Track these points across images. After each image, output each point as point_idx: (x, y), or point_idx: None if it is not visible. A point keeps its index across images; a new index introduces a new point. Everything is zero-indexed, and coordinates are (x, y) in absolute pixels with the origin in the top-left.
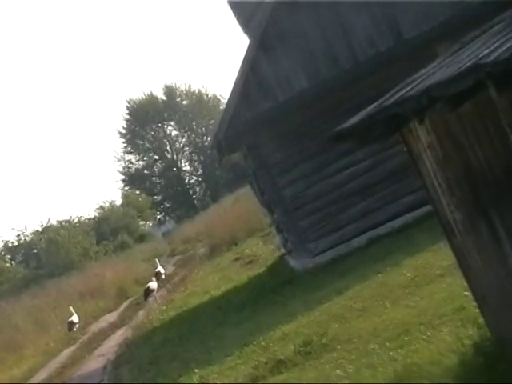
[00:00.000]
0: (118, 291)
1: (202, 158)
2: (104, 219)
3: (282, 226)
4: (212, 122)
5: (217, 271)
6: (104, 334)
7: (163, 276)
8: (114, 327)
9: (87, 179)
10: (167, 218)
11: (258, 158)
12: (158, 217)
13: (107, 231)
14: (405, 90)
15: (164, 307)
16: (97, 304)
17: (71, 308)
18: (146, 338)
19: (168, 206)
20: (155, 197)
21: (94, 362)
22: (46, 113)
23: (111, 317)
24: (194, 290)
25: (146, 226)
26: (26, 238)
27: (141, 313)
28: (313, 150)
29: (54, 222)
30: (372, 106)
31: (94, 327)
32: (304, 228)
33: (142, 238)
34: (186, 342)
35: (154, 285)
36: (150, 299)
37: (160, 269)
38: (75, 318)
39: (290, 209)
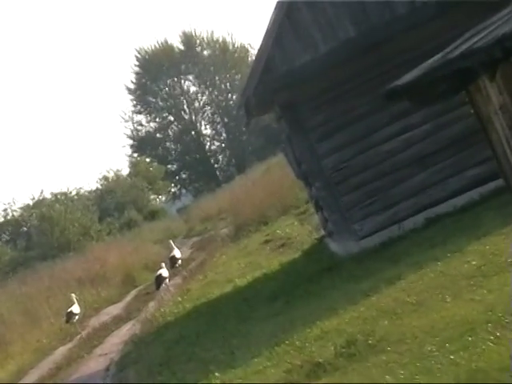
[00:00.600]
0: (124, 278)
1: (225, 120)
2: (108, 192)
3: (321, 203)
4: (238, 76)
5: (242, 256)
6: (106, 330)
7: (179, 261)
8: (118, 321)
9: (88, 144)
10: (183, 191)
11: (294, 121)
12: (173, 190)
13: (111, 206)
14: (473, 40)
15: (179, 298)
16: (98, 293)
17: (73, 296)
18: (157, 335)
19: (184, 176)
20: (169, 166)
21: (95, 363)
22: (38, 59)
23: (115, 309)
24: (215, 278)
25: (158, 200)
26: (14, 213)
27: (151, 304)
28: (360, 110)
29: (47, 195)
30: (433, 58)
31: (95, 321)
32: (348, 205)
33: (152, 214)
34: (204, 339)
35: (166, 271)
36: (163, 288)
37: (176, 252)
38: (76, 309)
39: (331, 182)
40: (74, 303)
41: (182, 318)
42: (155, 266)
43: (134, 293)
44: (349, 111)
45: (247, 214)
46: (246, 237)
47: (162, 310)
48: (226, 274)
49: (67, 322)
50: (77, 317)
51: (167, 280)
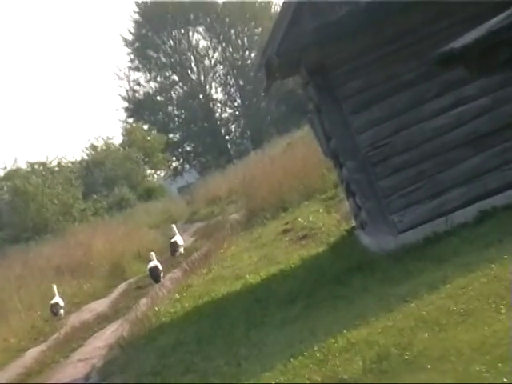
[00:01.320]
0: (112, 269)
1: (241, 83)
2: (96, 164)
3: (353, 188)
4: (259, 30)
5: (255, 248)
6: (88, 330)
7: (181, 249)
8: (103, 320)
9: (73, 104)
10: (187, 166)
11: (325, 87)
12: (174, 164)
13: (99, 181)
14: None
15: (177, 295)
16: (80, 286)
17: (54, 286)
18: (149, 339)
19: (189, 149)
20: (171, 135)
21: (72, 369)
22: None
23: (100, 305)
24: (222, 274)
25: (156, 176)
26: None
27: (143, 302)
28: (404, 78)
29: (22, 165)
30: (496, 18)
31: (75, 319)
32: (386, 191)
33: (149, 193)
34: (206, 346)
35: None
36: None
37: (178, 238)
38: (60, 301)
39: (367, 162)
40: (54, 295)
41: (181, 319)
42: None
43: (122, 286)
44: (391, 78)
45: (263, 197)
46: (261, 225)
47: (157, 308)
48: (235, 268)
49: (55, 315)
50: (63, 310)
51: (161, 272)
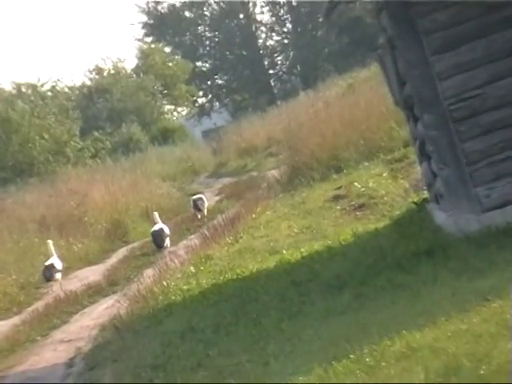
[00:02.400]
0: (111, 228)
1: (293, 2)
2: (100, 92)
3: (429, 149)
4: None
5: (297, 216)
6: (75, 303)
7: (205, 211)
8: (95, 292)
9: (77, 16)
10: (217, 104)
11: (404, 17)
12: (201, 101)
13: (103, 115)
14: None
15: (192, 269)
16: (69, 246)
17: (50, 243)
18: (152, 321)
19: (221, 82)
20: (199, 63)
21: (52, 351)
22: None
23: (93, 273)
24: (252, 245)
25: (177, 114)
26: None
27: (148, 273)
28: (507, 12)
29: (6, 86)
30: None
31: (59, 288)
32: (471, 157)
33: (165, 134)
34: (225, 337)
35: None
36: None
37: (202, 197)
38: (57, 262)
39: (449, 118)
40: (52, 254)
41: (195, 299)
42: (163, 213)
43: (123, 252)
44: (488, 12)
45: (311, 151)
46: (306, 187)
47: (165, 283)
48: (270, 240)
49: (48, 280)
50: (59, 274)
51: (168, 240)
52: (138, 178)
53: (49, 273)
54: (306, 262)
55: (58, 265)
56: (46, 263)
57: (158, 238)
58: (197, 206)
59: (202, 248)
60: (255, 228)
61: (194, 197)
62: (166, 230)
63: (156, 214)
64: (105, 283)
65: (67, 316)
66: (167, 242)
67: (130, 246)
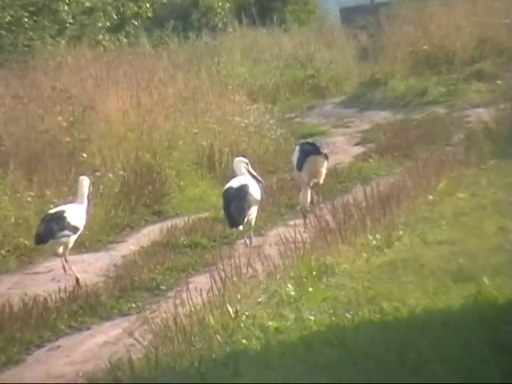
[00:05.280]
0: (134, 179)
1: None
2: None
3: None
4: None
5: None
6: (42, 325)
7: (322, 172)
8: (84, 307)
9: None
10: None
11: None
12: None
13: None
14: None
15: (290, 287)
16: (43, 203)
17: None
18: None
19: None
20: None
21: None
22: None
23: (87, 266)
24: (420, 256)
25: None
26: None
27: (197, 282)
28: None
29: None
30: None
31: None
32: None
33: (266, 4)
34: None
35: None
36: None
37: (319, 146)
38: (73, 212)
39: None
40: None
41: (289, 352)
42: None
43: (152, 231)
44: None
45: None
46: None
47: (231, 309)
48: (458, 251)
49: (42, 242)
50: (71, 236)
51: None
52: (200, 86)
53: (51, 230)
54: None
55: (75, 218)
56: (52, 211)
57: (235, 204)
58: (308, 162)
59: (314, 249)
60: (431, 222)
61: (306, 142)
62: (254, 191)
63: (240, 161)
64: (107, 291)
65: (19, 353)
66: (251, 213)
67: (169, 221)
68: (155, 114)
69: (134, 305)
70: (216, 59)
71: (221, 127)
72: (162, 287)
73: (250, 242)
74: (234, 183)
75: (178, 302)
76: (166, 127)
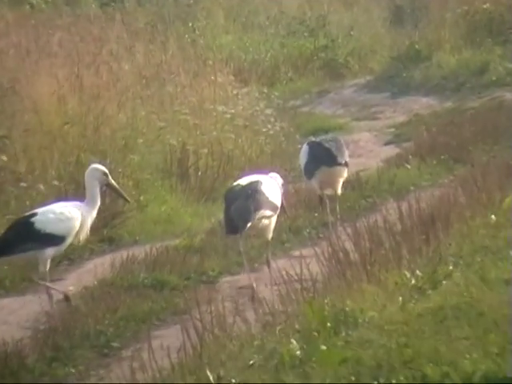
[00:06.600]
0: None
1: None
2: None
3: None
4: None
5: None
6: None
7: (339, 184)
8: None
9: None
10: None
11: None
12: None
13: None
14: None
15: (295, 345)
16: None
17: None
18: None
19: None
20: None
21: None
22: None
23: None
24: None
25: None
26: None
27: (164, 338)
28: None
29: None
30: None
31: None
32: None
33: None
34: None
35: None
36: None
37: (333, 147)
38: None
39: None
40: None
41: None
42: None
43: (102, 263)
44: None
45: None
46: None
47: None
48: None
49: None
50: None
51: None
52: (167, 62)
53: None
54: None
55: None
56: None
57: (237, 203)
58: (320, 172)
59: (328, 290)
60: (493, 253)
61: (317, 143)
62: (270, 192)
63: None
64: (36, 350)
65: None
66: (262, 217)
67: (124, 252)
68: (104, 101)
69: (73, 370)
70: (190, 24)
71: (197, 119)
72: (114, 344)
73: (269, 265)
74: (244, 180)
75: (136, 365)
76: (120, 119)
